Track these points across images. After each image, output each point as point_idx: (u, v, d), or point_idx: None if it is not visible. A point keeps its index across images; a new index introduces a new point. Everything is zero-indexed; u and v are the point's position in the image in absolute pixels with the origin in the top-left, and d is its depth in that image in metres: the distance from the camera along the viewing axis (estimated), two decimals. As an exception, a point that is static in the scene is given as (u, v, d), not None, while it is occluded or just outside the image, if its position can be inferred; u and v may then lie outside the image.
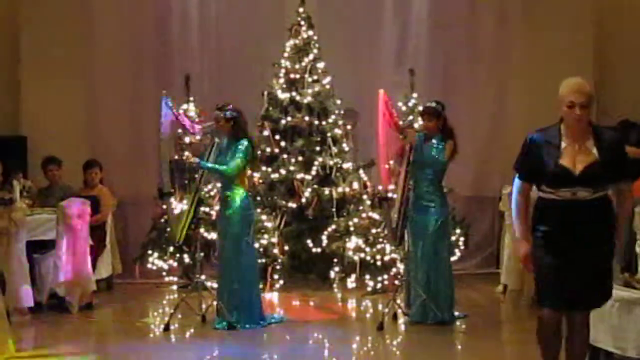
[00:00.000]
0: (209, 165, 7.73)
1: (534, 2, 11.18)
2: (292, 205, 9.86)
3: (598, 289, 4.88)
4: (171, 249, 9.81)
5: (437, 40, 11.24)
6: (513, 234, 7.15)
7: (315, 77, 10.26)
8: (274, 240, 9.63)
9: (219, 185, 8.39)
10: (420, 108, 8.56)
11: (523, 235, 4.95)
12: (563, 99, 4.76)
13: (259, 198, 9.79)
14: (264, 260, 9.36)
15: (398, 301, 8.05)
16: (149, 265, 10.07)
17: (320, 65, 10.31)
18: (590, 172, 4.72)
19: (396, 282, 9.03)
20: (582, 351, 5.04)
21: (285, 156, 10.00)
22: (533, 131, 4.93)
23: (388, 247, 9.48)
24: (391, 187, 8.04)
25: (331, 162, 10.00)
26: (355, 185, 10.00)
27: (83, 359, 6.92)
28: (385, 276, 9.49)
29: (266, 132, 10.11)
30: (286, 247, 9.75)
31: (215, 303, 7.83)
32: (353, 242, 9.59)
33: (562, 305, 4.84)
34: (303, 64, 10.26)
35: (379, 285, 9.47)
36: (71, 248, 8.54)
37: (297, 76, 10.23)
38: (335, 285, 9.75)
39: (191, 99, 10.10)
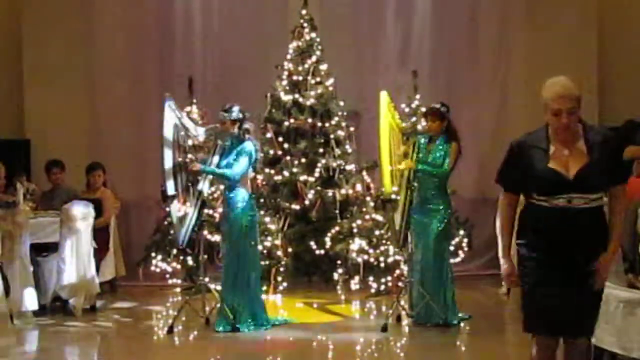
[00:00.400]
0: (212, 170, 7.72)
1: (536, 2, 11.18)
2: (296, 207, 9.86)
3: (595, 312, 4.49)
4: (175, 251, 9.81)
5: (439, 42, 11.25)
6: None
7: (318, 79, 10.26)
8: (278, 242, 9.62)
9: (222, 187, 8.39)
10: (424, 109, 8.55)
11: (506, 251, 4.53)
12: (547, 106, 4.33)
13: (262, 200, 9.79)
14: (267, 262, 9.36)
15: (402, 303, 8.05)
16: (153, 268, 10.07)
17: (323, 67, 10.31)
18: (584, 175, 4.31)
19: (400, 283, 9.02)
20: None
21: (288, 158, 10.00)
22: (517, 138, 4.55)
23: (391, 249, 9.47)
24: (394, 188, 8.03)
25: (334, 164, 9.99)
26: (359, 186, 9.99)
27: None
28: (389, 278, 9.49)
29: (269, 134, 10.11)
30: (290, 249, 9.74)
31: (218, 305, 7.83)
32: (356, 243, 9.58)
33: (558, 330, 4.45)
34: (306, 65, 10.26)
35: (382, 287, 9.46)
36: (75, 251, 8.54)
37: (300, 78, 10.23)
38: (338, 287, 9.74)
39: (194, 101, 10.11)
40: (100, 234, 9.37)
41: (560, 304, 4.34)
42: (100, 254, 9.36)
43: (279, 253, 9.61)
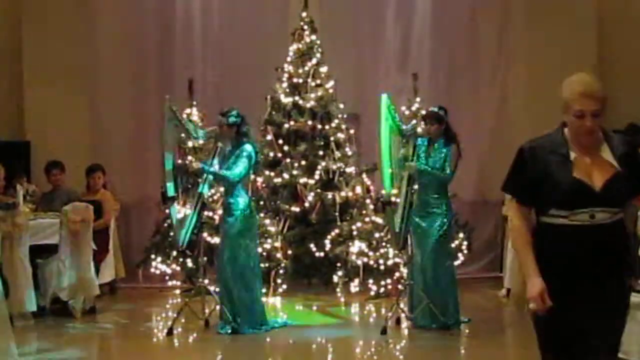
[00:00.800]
0: (213, 170, 7.73)
1: (536, 4, 11.19)
2: (295, 209, 9.85)
3: (619, 328, 3.97)
4: (174, 253, 9.80)
5: (439, 43, 11.26)
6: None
7: (318, 82, 10.27)
8: (277, 244, 9.62)
9: (221, 189, 8.39)
10: (423, 112, 8.56)
11: (533, 269, 3.84)
12: (569, 106, 3.79)
13: (262, 202, 9.79)
14: (267, 265, 9.35)
15: (401, 305, 8.04)
16: (152, 270, 10.06)
17: (323, 69, 10.31)
18: (612, 187, 3.78)
19: (399, 286, 9.01)
20: None
21: (288, 160, 10.00)
22: (527, 141, 3.96)
23: (391, 252, 9.46)
24: (394, 191, 8.03)
25: (334, 167, 9.99)
26: (359, 189, 9.99)
27: None
28: (389, 280, 9.48)
29: (269, 137, 10.11)
30: (289, 252, 9.74)
31: (218, 307, 7.82)
32: (356, 246, 9.58)
33: (575, 354, 3.90)
34: (306, 68, 10.26)
35: (382, 290, 9.46)
36: (74, 252, 8.54)
37: (300, 80, 10.23)
38: (338, 290, 9.73)
39: (194, 103, 10.11)
40: (99, 236, 9.37)
41: (581, 328, 3.84)
42: (99, 255, 9.37)
43: (279, 255, 9.61)
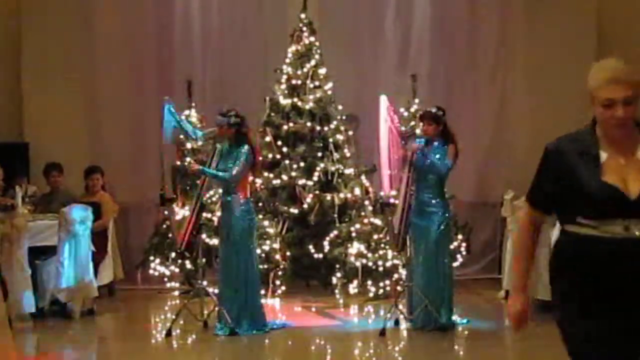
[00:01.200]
0: (211, 171, 7.73)
1: (536, 5, 11.18)
2: (294, 211, 9.84)
3: None
4: (173, 254, 9.80)
5: (439, 45, 11.24)
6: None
7: (317, 83, 10.25)
8: (276, 246, 9.61)
9: (220, 191, 8.39)
10: (421, 112, 8.56)
11: (520, 284, 3.49)
12: (596, 95, 3.26)
13: (260, 204, 9.78)
14: (265, 266, 9.34)
15: (400, 307, 8.04)
16: (151, 271, 10.05)
17: (322, 71, 10.30)
18: None
19: (398, 287, 9.00)
20: None
21: (287, 162, 10.00)
22: (554, 140, 3.40)
23: (390, 253, 9.46)
24: (393, 192, 8.03)
25: (333, 168, 9.98)
26: (357, 191, 9.98)
27: None
28: (388, 282, 9.48)
29: (268, 138, 10.10)
30: (288, 253, 9.73)
31: (217, 309, 7.82)
32: (355, 247, 9.56)
33: None
34: (305, 69, 10.25)
35: (381, 291, 9.45)
36: (73, 254, 8.54)
37: (299, 82, 10.22)
38: (337, 291, 9.70)
39: (193, 104, 10.10)
40: (98, 238, 9.36)
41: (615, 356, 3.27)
42: (98, 257, 9.35)
43: (278, 257, 9.60)
